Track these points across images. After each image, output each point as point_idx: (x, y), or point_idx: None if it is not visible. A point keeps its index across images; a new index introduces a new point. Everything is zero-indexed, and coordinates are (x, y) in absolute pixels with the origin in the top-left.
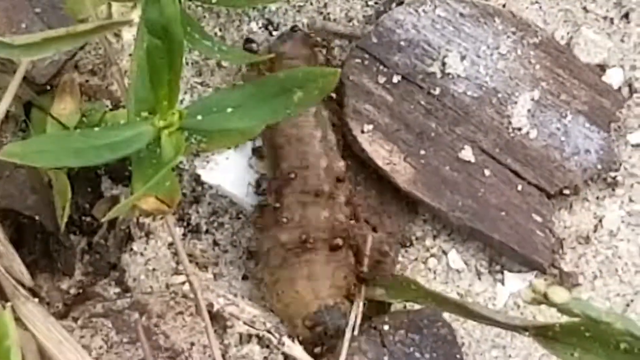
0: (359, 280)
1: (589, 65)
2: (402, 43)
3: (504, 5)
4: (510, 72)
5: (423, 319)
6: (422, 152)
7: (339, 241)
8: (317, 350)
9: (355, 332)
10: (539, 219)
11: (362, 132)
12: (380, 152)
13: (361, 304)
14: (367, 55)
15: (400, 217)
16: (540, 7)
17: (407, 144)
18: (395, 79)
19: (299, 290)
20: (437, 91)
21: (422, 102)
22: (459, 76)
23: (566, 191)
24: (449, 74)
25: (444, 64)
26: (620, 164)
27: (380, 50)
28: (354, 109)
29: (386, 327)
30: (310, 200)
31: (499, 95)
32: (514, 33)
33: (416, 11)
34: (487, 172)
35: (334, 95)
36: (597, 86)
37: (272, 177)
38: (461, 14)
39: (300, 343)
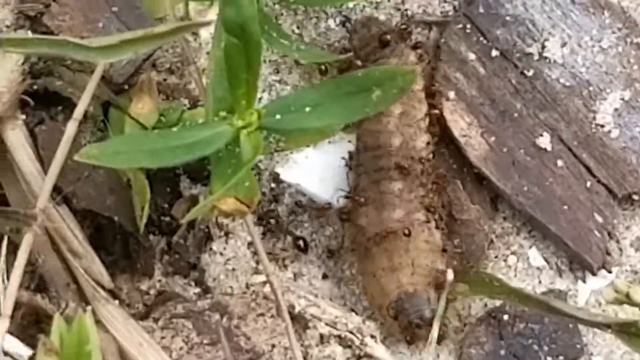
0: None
1: None
2: (508, 18)
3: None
4: (607, 68)
5: None
6: (501, 130)
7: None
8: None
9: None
10: (600, 219)
11: (447, 99)
12: (459, 123)
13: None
14: (469, 24)
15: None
16: None
17: (488, 120)
18: (494, 53)
19: (380, 280)
20: (531, 73)
21: (513, 81)
22: (555, 62)
23: (635, 197)
24: (546, 57)
25: (543, 47)
26: None
27: (484, 21)
28: (444, 74)
29: (505, 317)
30: (382, 177)
31: (591, 88)
32: (619, 29)
33: None
34: (559, 163)
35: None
36: None
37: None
38: (572, 0)
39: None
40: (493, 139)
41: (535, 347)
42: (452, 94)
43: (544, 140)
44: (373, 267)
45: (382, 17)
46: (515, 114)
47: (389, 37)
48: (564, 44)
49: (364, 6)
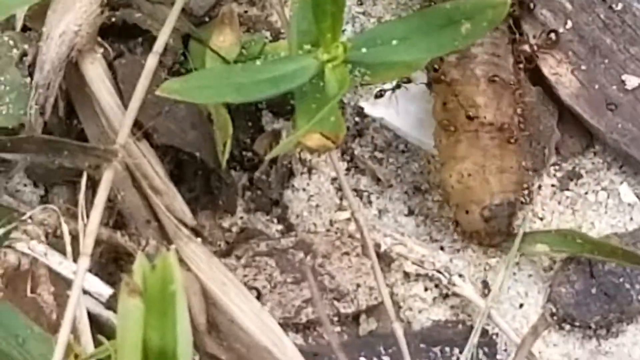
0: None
1: None
2: None
3: None
4: None
5: (637, 242)
6: (592, 67)
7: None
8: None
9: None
10: None
11: (534, 37)
12: (548, 61)
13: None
14: None
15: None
16: None
17: (578, 57)
18: None
19: (488, 179)
20: (619, 7)
21: (602, 16)
22: None
23: None
24: None
25: None
26: None
27: None
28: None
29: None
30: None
31: None
32: None
33: None
34: None
35: None
36: None
37: None
38: None
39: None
40: (584, 75)
41: (627, 285)
42: (539, 32)
43: (636, 76)
44: (482, 159)
45: None
46: (605, 50)
47: None
48: None
49: None
